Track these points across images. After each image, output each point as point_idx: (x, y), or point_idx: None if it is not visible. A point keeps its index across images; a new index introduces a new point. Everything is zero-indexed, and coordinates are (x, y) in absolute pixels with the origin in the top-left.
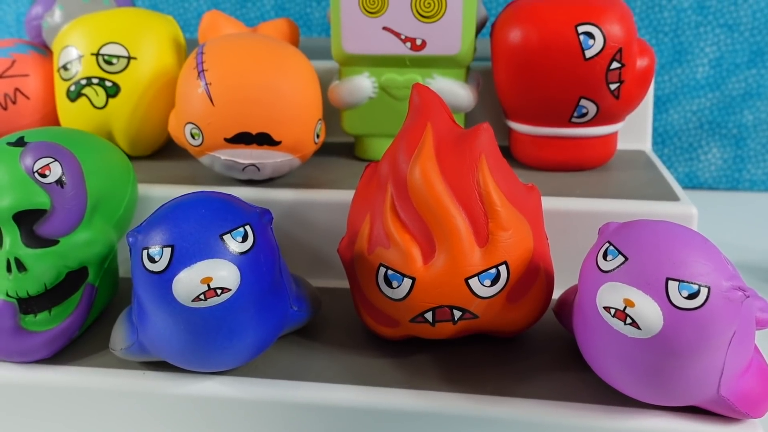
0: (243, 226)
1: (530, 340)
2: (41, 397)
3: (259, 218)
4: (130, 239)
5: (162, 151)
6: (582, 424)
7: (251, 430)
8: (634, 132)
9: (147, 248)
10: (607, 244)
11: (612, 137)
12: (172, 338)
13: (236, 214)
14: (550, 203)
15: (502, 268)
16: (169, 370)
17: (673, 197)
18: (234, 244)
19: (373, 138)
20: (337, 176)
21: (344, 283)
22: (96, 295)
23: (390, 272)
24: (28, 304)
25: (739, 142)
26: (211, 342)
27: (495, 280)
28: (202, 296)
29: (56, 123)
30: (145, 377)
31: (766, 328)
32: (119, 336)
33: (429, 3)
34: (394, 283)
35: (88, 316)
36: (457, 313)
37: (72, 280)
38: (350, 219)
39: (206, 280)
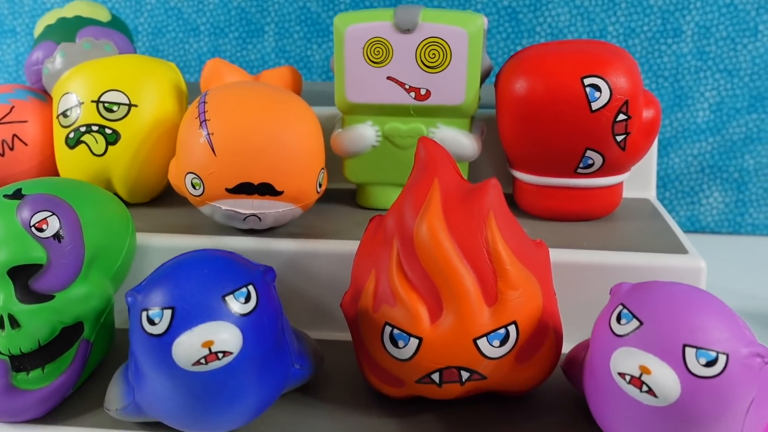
0: (246, 286)
1: (538, 399)
2: None
3: (263, 277)
4: (129, 299)
5: (160, 198)
6: None
7: None
8: (639, 180)
9: (146, 310)
10: (620, 307)
11: (617, 187)
12: (170, 401)
13: (239, 274)
14: (556, 255)
15: (512, 328)
16: (166, 430)
17: (682, 250)
18: (236, 306)
19: (376, 186)
20: (339, 226)
21: (346, 336)
22: (91, 351)
23: (396, 331)
24: (20, 362)
25: (740, 186)
26: (210, 405)
27: (504, 341)
28: (202, 360)
29: (54, 169)
30: None
31: None
32: (115, 396)
33: (434, 53)
34: (400, 343)
35: (82, 373)
36: (465, 374)
37: (66, 335)
38: (354, 273)
39: (207, 344)
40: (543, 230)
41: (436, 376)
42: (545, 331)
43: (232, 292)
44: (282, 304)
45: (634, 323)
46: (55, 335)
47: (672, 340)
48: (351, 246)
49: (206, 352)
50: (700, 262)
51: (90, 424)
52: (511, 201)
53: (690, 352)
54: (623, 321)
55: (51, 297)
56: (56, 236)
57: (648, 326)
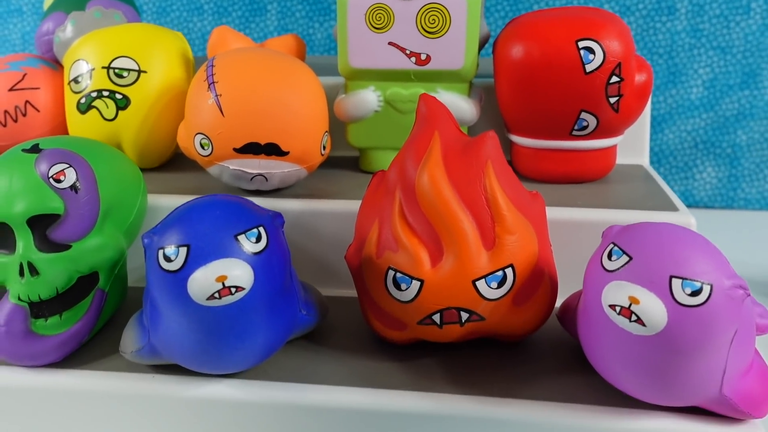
0: (257, 227)
1: (535, 345)
2: (50, 400)
3: (272, 221)
4: (146, 240)
5: (170, 164)
6: (587, 425)
7: (259, 430)
8: (633, 147)
9: (163, 248)
10: (611, 245)
11: (612, 150)
12: (184, 338)
13: (250, 216)
14: (553, 213)
15: (509, 271)
16: (179, 373)
17: (673, 208)
18: (248, 245)
19: (378, 151)
20: (343, 187)
21: (351, 292)
22: (106, 301)
23: (399, 275)
24: (39, 308)
25: (733, 162)
26: (223, 342)
27: (501, 283)
28: (216, 294)
29: (66, 135)
30: (155, 380)
31: (765, 333)
32: (130, 339)
33: (434, 19)
34: (403, 286)
35: (97, 320)
36: (465, 315)
37: (83, 285)
38: (358, 226)
39: (221, 279)
40: (540, 191)
41: (437, 317)
42: (541, 276)
43: (243, 232)
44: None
45: (624, 258)
46: (72, 284)
47: (659, 272)
48: (355, 205)
49: (220, 286)
50: (690, 219)
51: (106, 368)
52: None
53: (676, 283)
54: (614, 257)
55: (68, 247)
56: (73, 187)
57: (637, 260)
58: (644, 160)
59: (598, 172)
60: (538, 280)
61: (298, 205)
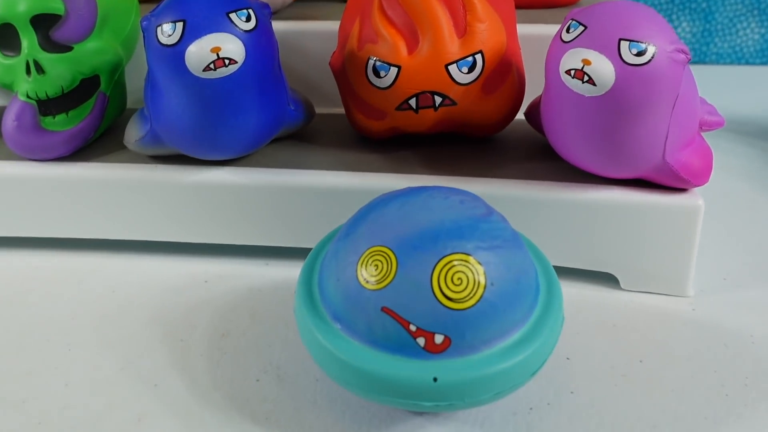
0: (247, 9)
1: (504, 140)
2: (62, 190)
3: (261, 9)
4: (144, 23)
5: None
6: (549, 197)
7: (254, 213)
8: None
9: (160, 25)
10: (570, 21)
11: None
12: (183, 115)
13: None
14: (523, 29)
15: (478, 57)
16: (180, 163)
17: None
18: (240, 22)
19: None
20: (327, 13)
21: (336, 109)
22: (108, 104)
23: (378, 63)
24: (46, 106)
25: (707, 17)
26: (218, 117)
27: (472, 68)
28: (212, 65)
29: None
30: (157, 169)
31: (711, 129)
32: (133, 129)
33: None
34: (382, 73)
35: (101, 121)
36: (438, 99)
37: (86, 86)
38: (341, 30)
39: (215, 50)
40: None
41: (413, 102)
42: (509, 67)
43: (235, 11)
44: None
45: (580, 29)
46: (76, 84)
47: (609, 36)
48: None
49: (214, 57)
50: None
51: (113, 161)
52: None
53: (624, 45)
54: (571, 30)
55: (70, 48)
56: None
57: (591, 29)
58: None
59: None
60: (506, 70)
61: (283, 26)
